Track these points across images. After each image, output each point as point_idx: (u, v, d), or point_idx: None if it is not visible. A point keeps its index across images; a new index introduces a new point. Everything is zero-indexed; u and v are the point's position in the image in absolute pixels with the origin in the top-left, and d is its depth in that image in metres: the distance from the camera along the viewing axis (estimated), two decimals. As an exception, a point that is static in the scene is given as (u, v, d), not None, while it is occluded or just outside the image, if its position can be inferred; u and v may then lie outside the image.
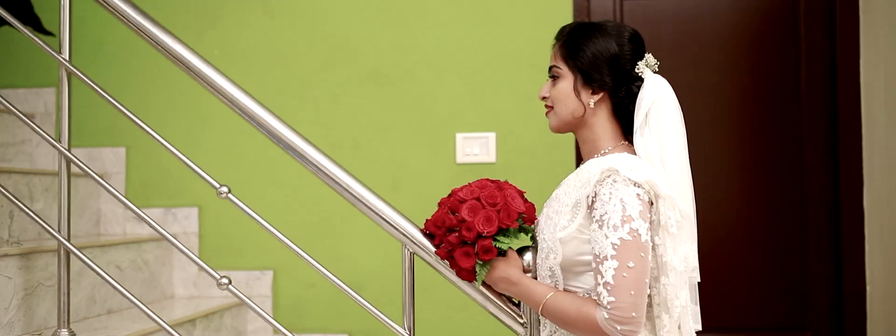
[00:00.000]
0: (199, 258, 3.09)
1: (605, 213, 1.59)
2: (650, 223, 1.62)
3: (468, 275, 1.72)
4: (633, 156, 1.67)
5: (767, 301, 3.06)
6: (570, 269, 1.66)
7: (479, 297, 1.80)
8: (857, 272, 2.96)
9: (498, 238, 1.70)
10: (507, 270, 1.70)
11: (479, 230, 1.67)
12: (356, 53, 3.10)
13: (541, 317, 1.71)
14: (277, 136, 1.91)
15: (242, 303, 3.08)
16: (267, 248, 3.11)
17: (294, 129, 1.92)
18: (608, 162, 1.63)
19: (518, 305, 1.81)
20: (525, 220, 1.73)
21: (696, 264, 1.71)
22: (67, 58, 2.06)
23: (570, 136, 3.00)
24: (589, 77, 1.72)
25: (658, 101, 1.69)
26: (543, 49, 3.01)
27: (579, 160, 3.02)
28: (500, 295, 1.80)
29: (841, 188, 2.98)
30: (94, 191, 3.10)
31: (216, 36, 3.17)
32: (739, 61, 3.07)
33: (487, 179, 1.78)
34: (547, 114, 1.80)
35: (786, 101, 3.04)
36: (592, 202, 1.62)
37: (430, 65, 3.07)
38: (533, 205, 1.76)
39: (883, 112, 2.85)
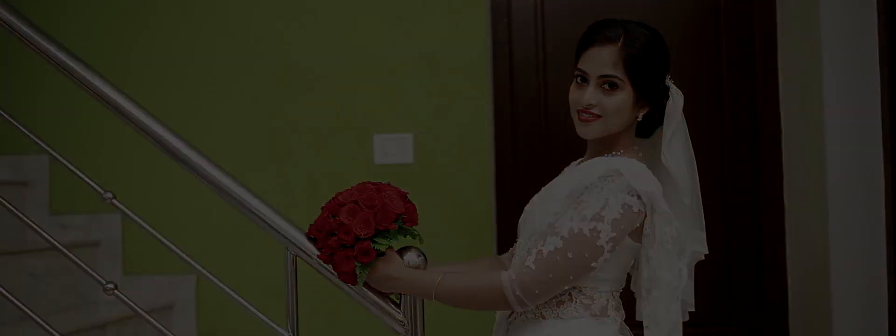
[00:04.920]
0: (122, 263, 3.13)
1: (586, 200, 1.61)
2: (645, 237, 1.63)
3: (349, 278, 1.72)
4: (642, 164, 1.67)
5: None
6: None
7: (360, 298, 1.80)
8: (779, 266, 2.98)
9: (376, 240, 1.70)
10: (387, 269, 1.70)
11: (357, 233, 1.67)
12: (272, 55, 3.09)
13: (438, 301, 1.70)
14: (156, 138, 1.88)
15: (169, 307, 3.10)
16: (189, 252, 3.08)
17: (170, 129, 1.89)
18: (617, 164, 1.64)
19: (399, 306, 1.81)
20: (405, 221, 1.73)
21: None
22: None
23: (488, 134, 3.02)
24: (646, 93, 1.69)
25: (681, 116, 1.71)
26: (459, 48, 3.03)
27: (498, 158, 3.04)
28: (383, 295, 1.79)
29: (762, 184, 3.00)
30: (18, 198, 3.08)
31: (131, 40, 3.16)
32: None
33: (369, 182, 1.77)
34: (588, 120, 1.68)
35: (707, 99, 3.05)
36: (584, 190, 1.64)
37: (346, 66, 3.07)
38: (414, 206, 1.75)
39: (798, 110, 2.88)
